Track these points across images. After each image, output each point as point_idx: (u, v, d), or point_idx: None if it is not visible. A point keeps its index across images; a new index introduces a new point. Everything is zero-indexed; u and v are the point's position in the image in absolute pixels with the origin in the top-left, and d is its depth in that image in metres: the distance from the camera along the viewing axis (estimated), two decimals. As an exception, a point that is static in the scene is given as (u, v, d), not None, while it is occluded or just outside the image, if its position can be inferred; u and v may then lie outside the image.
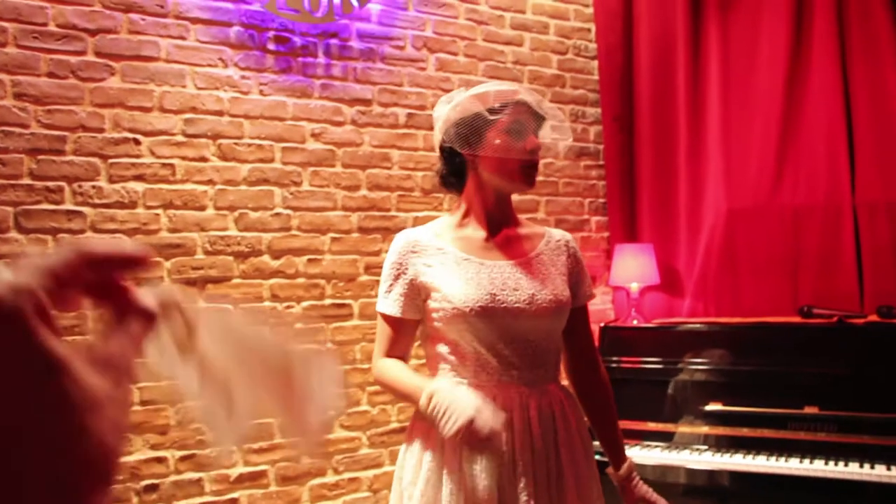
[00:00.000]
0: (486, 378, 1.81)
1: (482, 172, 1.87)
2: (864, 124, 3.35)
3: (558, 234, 2.01)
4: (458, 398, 1.61)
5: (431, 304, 1.84)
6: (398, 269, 1.87)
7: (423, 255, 1.87)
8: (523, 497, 1.74)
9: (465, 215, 1.94)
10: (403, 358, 1.90)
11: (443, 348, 1.86)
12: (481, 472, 1.73)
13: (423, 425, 1.82)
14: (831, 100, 3.40)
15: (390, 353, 1.88)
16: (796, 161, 3.50)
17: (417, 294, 1.86)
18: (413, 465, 1.84)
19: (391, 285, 1.87)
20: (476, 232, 1.91)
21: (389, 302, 1.87)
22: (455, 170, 1.92)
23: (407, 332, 1.89)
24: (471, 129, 1.81)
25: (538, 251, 1.93)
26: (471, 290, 1.80)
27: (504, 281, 1.84)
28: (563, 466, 1.82)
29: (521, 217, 2.01)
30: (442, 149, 1.91)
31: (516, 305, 1.81)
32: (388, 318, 1.88)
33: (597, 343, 3.39)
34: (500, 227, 1.93)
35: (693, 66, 3.78)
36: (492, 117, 1.79)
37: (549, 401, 1.84)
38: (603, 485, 2.01)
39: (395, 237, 1.93)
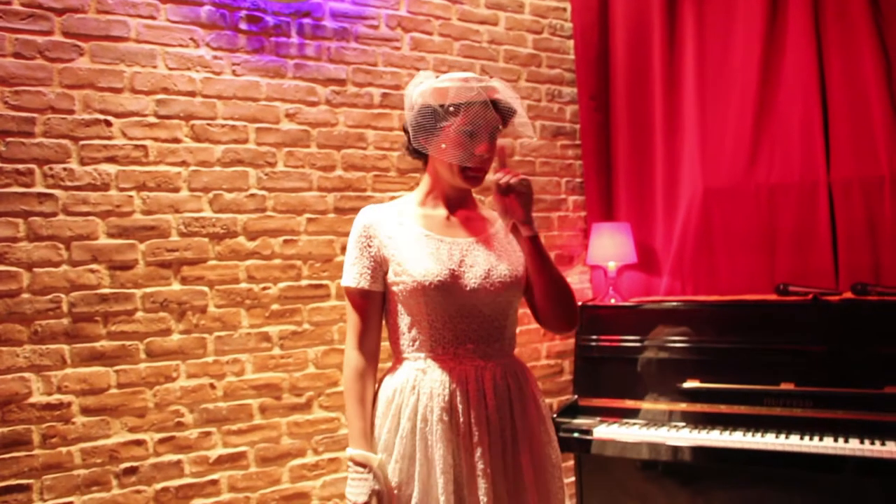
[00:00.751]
0: (443, 351, 1.88)
1: (436, 166, 1.94)
2: (838, 101, 3.36)
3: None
4: (356, 485, 1.82)
5: (391, 277, 1.91)
6: (362, 243, 1.93)
7: (386, 228, 1.93)
8: (480, 465, 1.80)
9: (427, 193, 2.00)
10: (375, 347, 1.96)
11: (402, 321, 1.93)
12: (437, 443, 1.80)
13: (388, 399, 1.91)
14: (806, 77, 3.41)
15: (362, 340, 1.94)
16: (772, 139, 3.51)
17: (380, 266, 1.92)
18: (376, 436, 1.90)
19: (356, 258, 1.93)
20: (437, 210, 1.98)
21: (354, 274, 1.93)
22: (415, 153, 1.99)
23: (374, 307, 1.96)
24: (425, 123, 1.86)
25: (496, 230, 2.00)
26: (430, 264, 1.86)
27: (462, 257, 1.90)
28: (518, 436, 1.89)
29: (478, 200, 2.09)
30: (404, 129, 1.97)
31: (473, 281, 1.87)
32: (354, 293, 1.95)
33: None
34: (458, 206, 2.00)
35: (669, 45, 3.78)
36: (444, 120, 1.83)
37: (504, 373, 1.91)
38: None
39: (359, 212, 1.98)
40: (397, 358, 1.97)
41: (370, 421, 1.91)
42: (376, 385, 1.98)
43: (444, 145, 1.84)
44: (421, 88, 1.88)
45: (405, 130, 1.96)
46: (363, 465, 1.83)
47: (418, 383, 1.86)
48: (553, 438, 1.99)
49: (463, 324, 1.87)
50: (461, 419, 1.82)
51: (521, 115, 1.93)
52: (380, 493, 1.82)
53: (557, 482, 1.97)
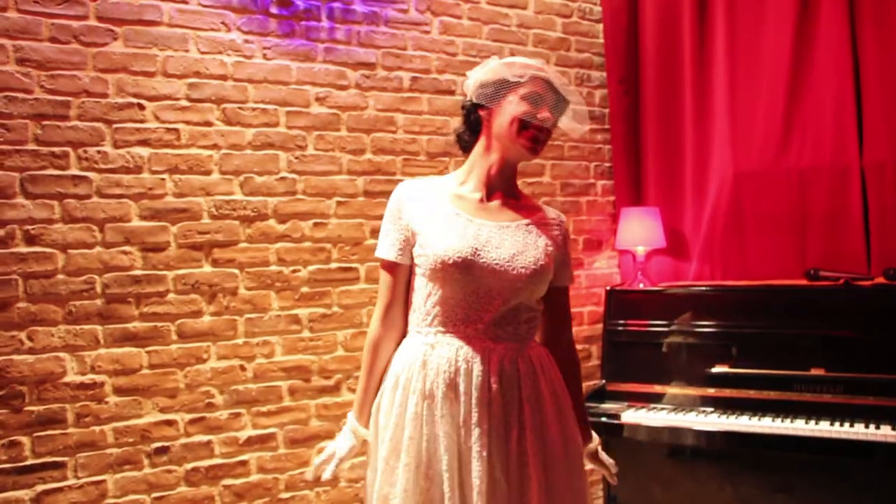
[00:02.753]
0: (454, 328, 1.92)
1: (493, 132, 1.97)
2: (872, 84, 3.32)
3: (554, 212, 2.10)
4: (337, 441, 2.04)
5: (416, 250, 1.96)
6: (394, 215, 2.00)
7: (418, 203, 1.98)
8: (476, 447, 1.83)
9: (468, 174, 2.03)
10: (398, 319, 2.03)
11: (419, 295, 1.97)
12: (440, 420, 1.85)
13: (397, 372, 1.96)
14: (839, 60, 3.36)
15: (386, 311, 2.02)
16: (803, 122, 3.47)
17: (408, 240, 1.98)
18: (386, 409, 1.96)
19: (388, 230, 2.00)
20: (473, 193, 2.00)
21: (386, 246, 2.00)
22: (471, 127, 2.04)
23: (401, 280, 2.01)
24: (493, 88, 1.94)
25: (531, 222, 2.01)
26: (454, 240, 1.89)
27: (488, 238, 1.92)
28: (527, 424, 1.89)
29: (525, 192, 2.11)
30: (464, 106, 2.05)
31: (496, 263, 1.90)
32: (385, 264, 2.02)
33: (602, 307, 3.42)
34: (497, 192, 2.01)
35: (699, 27, 3.74)
36: (513, 80, 1.91)
37: (514, 357, 1.92)
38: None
39: (398, 185, 2.05)
40: (410, 331, 2.01)
41: (373, 393, 2.02)
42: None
43: (511, 101, 1.91)
44: (489, 65, 1.97)
45: (463, 108, 2.05)
46: (349, 435, 2.02)
47: (427, 358, 1.90)
48: (575, 433, 2.00)
49: (478, 303, 1.90)
50: (462, 398, 1.86)
51: (577, 102, 2.01)
52: (341, 460, 2.01)
53: (577, 480, 1.98)
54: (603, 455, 2.13)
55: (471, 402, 1.85)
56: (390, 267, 2.01)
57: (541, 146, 1.95)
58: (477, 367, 1.87)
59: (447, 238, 1.90)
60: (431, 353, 1.91)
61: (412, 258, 1.98)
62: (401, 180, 3.27)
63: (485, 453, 1.82)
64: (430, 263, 1.90)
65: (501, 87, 1.93)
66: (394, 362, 1.99)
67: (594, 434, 2.14)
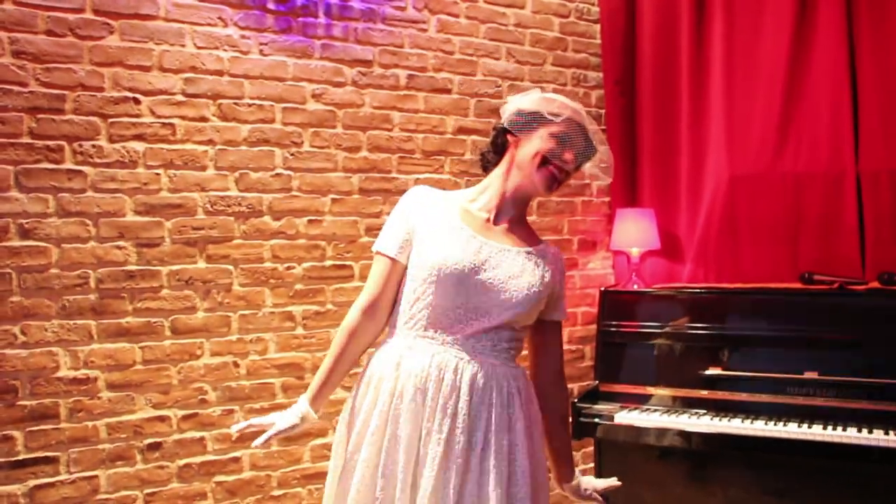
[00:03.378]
0: (433, 335, 1.92)
1: (515, 161, 1.99)
2: (869, 91, 3.33)
3: (554, 249, 2.11)
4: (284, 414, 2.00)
5: (415, 253, 1.97)
6: (403, 214, 2.01)
7: (427, 209, 2.00)
8: (431, 452, 1.83)
9: (481, 193, 2.05)
10: (381, 316, 2.03)
11: (407, 298, 1.97)
12: (405, 422, 1.86)
13: (371, 373, 1.97)
14: (836, 66, 3.37)
15: (371, 304, 2.01)
16: (799, 127, 3.48)
17: (410, 241, 1.98)
18: (358, 409, 1.96)
19: (392, 226, 2.01)
20: (482, 212, 2.02)
21: (388, 241, 2.00)
22: (496, 149, 2.07)
23: (394, 278, 2.00)
24: (526, 118, 1.96)
25: (531, 250, 2.01)
26: (455, 252, 1.91)
27: (488, 257, 1.93)
28: (492, 443, 1.87)
29: (531, 227, 2.13)
30: (495, 128, 2.09)
31: (490, 281, 1.91)
32: (380, 258, 2.02)
33: (596, 307, 3.42)
34: (504, 219, 2.03)
35: (696, 30, 3.74)
36: (548, 116, 1.94)
37: (489, 374, 1.90)
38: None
39: (413, 187, 2.10)
40: (391, 331, 2.02)
41: (334, 380, 2.02)
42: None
43: (540, 136, 1.93)
44: (530, 95, 2.00)
45: (494, 129, 2.08)
46: (296, 414, 1.98)
47: (402, 360, 1.91)
48: (542, 464, 2.00)
49: (465, 316, 1.91)
50: (429, 404, 1.85)
51: (604, 153, 2.03)
52: (278, 433, 1.98)
53: None
54: (589, 483, 2.15)
55: (435, 408, 1.85)
56: (387, 262, 2.01)
57: (557, 185, 1.98)
58: (448, 376, 1.87)
59: (448, 248, 1.91)
60: (407, 355, 1.91)
61: (408, 260, 1.99)
62: (396, 178, 3.30)
63: (437, 459, 1.82)
64: (427, 270, 1.91)
65: (535, 120, 1.95)
66: (371, 362, 2.01)
67: (576, 471, 2.15)
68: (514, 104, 2.01)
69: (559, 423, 2.11)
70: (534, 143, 1.95)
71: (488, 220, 2.01)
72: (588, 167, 2.03)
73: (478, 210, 2.01)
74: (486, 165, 2.11)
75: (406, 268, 1.99)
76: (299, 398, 2.02)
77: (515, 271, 1.94)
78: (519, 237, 2.03)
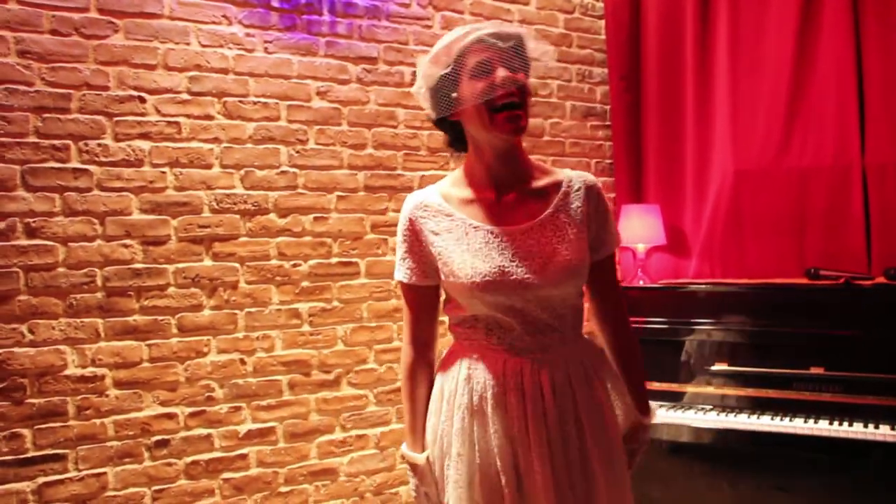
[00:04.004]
0: (497, 342, 1.77)
1: (470, 130, 1.76)
2: (875, 85, 3.31)
3: (578, 180, 1.83)
4: (411, 484, 1.87)
5: (442, 274, 1.78)
6: (409, 238, 1.82)
7: (431, 222, 1.79)
8: (536, 464, 1.70)
9: (470, 173, 1.82)
10: (430, 339, 1.91)
11: (456, 313, 1.83)
12: (494, 437, 1.72)
13: (440, 384, 1.85)
14: (842, 60, 3.36)
15: (416, 334, 1.89)
16: (805, 122, 3.47)
17: (428, 260, 1.80)
18: (433, 424, 1.84)
19: (404, 252, 1.83)
20: (485, 193, 1.79)
21: (404, 270, 1.84)
22: (453, 135, 1.83)
23: (427, 301, 1.87)
24: (438, 93, 1.71)
25: (553, 208, 1.78)
26: (478, 262, 1.72)
27: (515, 250, 1.74)
28: (586, 434, 1.76)
29: (539, 162, 1.87)
30: (432, 120, 1.82)
31: (526, 276, 1.71)
32: (405, 288, 1.87)
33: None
34: (509, 186, 1.79)
35: (701, 25, 3.73)
36: (448, 71, 1.67)
37: (565, 365, 1.77)
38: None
39: (405, 200, 1.84)
40: (455, 343, 1.89)
41: (421, 417, 1.87)
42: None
43: (455, 95, 1.68)
44: (421, 70, 1.73)
45: (434, 123, 1.82)
46: (412, 465, 1.85)
47: (472, 373, 1.77)
48: (620, 442, 1.86)
49: (519, 316, 1.74)
50: (516, 413, 1.72)
51: (531, 39, 1.71)
52: (428, 495, 1.84)
53: (627, 477, 1.87)
54: (643, 435, 1.96)
55: (525, 416, 1.72)
56: (413, 290, 1.86)
57: (522, 113, 1.68)
58: (527, 381, 1.73)
59: (469, 260, 1.73)
60: (476, 369, 1.78)
61: (435, 277, 1.82)
62: (401, 175, 3.30)
63: (546, 470, 1.70)
64: (460, 287, 1.75)
65: (443, 88, 1.69)
66: (437, 380, 1.88)
67: (651, 408, 1.97)
68: (422, 83, 1.74)
69: (628, 364, 1.93)
70: (467, 103, 1.66)
71: (495, 200, 1.78)
72: (532, 48, 1.71)
73: (480, 194, 1.79)
74: (461, 148, 1.85)
75: (435, 287, 1.85)
76: (403, 454, 1.89)
77: (548, 252, 1.73)
78: (535, 200, 1.79)
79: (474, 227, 1.76)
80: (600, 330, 1.95)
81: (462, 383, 1.78)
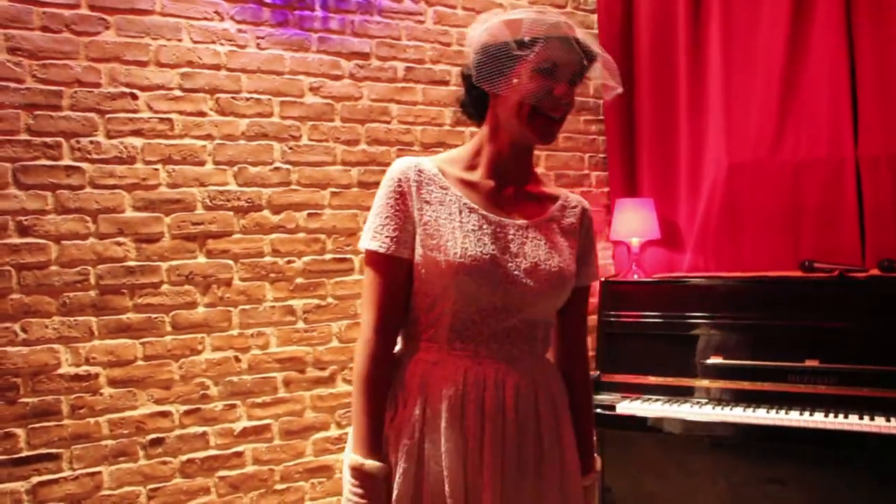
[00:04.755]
0: (461, 346, 1.58)
1: (499, 113, 1.61)
2: (867, 77, 3.31)
3: (575, 199, 1.75)
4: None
5: (418, 248, 1.58)
6: (395, 200, 1.59)
7: (425, 189, 1.61)
8: (487, 492, 1.53)
9: (476, 154, 1.68)
10: (399, 325, 1.64)
11: (420, 301, 1.61)
12: (445, 454, 1.53)
13: (394, 389, 1.63)
14: (835, 53, 3.36)
15: (387, 320, 1.60)
16: (798, 115, 3.47)
17: (412, 232, 1.59)
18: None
19: (386, 217, 1.59)
20: (485, 179, 1.65)
21: (383, 237, 1.58)
22: (475, 101, 1.67)
23: (402, 277, 1.60)
24: (492, 60, 1.53)
25: (549, 216, 1.68)
26: (469, 244, 1.56)
27: (508, 242, 1.60)
28: (545, 463, 1.61)
29: (541, 173, 1.78)
30: (463, 74, 1.66)
31: (515, 273, 1.58)
32: (381, 260, 1.59)
33: (597, 298, 3.42)
34: (510, 180, 1.67)
35: (694, 19, 3.73)
36: (518, 52, 1.50)
37: (532, 382, 1.61)
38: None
39: (392, 164, 1.64)
40: (407, 342, 1.67)
41: (382, 421, 1.59)
42: None
43: (515, 80, 1.51)
44: (488, 24, 1.55)
45: (464, 77, 1.65)
46: (362, 477, 1.53)
47: (428, 379, 1.58)
48: (578, 470, 1.70)
49: (492, 319, 1.58)
50: (472, 431, 1.54)
51: (605, 58, 1.61)
52: None
53: None
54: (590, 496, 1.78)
55: (482, 435, 1.54)
56: (392, 263, 1.59)
57: (557, 128, 1.59)
58: (489, 395, 1.56)
59: (462, 240, 1.56)
60: (433, 374, 1.58)
61: (414, 253, 1.59)
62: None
63: (490, 491, 1.53)
64: (438, 268, 1.55)
65: (502, 60, 1.52)
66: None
67: (596, 464, 1.82)
68: (475, 40, 1.57)
69: (580, 411, 1.76)
70: (513, 89, 1.53)
71: (496, 189, 1.65)
72: (595, 75, 1.62)
73: (481, 179, 1.64)
74: (472, 116, 1.71)
75: (410, 264, 1.60)
76: (352, 464, 1.54)
77: (542, 253, 1.61)
78: (534, 203, 1.68)
79: (469, 208, 1.60)
80: (557, 363, 1.78)
81: (416, 390, 1.58)
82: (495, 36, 1.53)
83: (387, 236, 1.58)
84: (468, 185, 1.64)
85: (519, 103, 1.54)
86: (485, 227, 1.60)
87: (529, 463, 1.59)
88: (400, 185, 1.60)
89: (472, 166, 1.67)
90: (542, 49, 1.50)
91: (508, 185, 1.67)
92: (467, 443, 1.54)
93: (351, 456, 1.56)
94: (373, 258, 1.61)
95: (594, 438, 1.83)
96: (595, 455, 1.80)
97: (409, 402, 1.58)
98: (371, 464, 1.52)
